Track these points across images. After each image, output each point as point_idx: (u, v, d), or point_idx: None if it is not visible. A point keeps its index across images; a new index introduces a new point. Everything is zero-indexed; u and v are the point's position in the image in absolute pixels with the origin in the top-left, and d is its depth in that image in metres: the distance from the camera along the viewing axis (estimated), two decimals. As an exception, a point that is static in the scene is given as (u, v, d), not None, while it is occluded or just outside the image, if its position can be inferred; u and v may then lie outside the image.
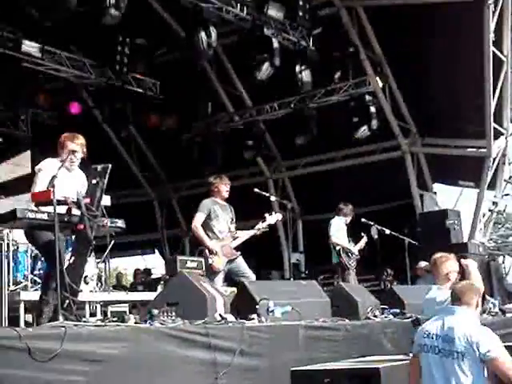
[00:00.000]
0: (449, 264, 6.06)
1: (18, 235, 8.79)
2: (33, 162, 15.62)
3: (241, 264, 8.61)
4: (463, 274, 5.96)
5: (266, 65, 13.19)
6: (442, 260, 6.09)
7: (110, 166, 6.02)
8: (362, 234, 11.26)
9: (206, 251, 8.47)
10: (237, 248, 8.70)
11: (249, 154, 16.59)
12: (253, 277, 8.57)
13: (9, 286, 8.26)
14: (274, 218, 8.95)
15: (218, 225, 8.63)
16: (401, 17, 13.87)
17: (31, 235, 6.27)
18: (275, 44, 13.24)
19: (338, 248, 10.95)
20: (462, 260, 6.06)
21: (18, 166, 14.86)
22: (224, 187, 8.78)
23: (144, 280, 15.71)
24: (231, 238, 8.67)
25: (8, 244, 8.48)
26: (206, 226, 8.56)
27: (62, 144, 6.45)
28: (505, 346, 5.42)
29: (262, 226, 8.87)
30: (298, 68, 14.05)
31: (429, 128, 15.49)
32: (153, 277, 15.71)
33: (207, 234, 8.53)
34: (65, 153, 6.35)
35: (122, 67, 14.36)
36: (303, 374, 5.66)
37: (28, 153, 15.70)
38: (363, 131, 14.81)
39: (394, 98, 15.34)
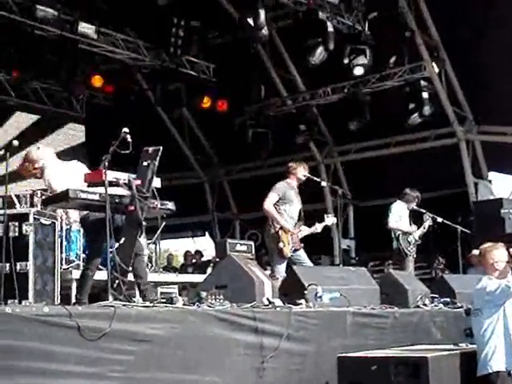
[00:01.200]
0: (496, 253, 5.93)
1: (72, 215, 8.93)
2: (88, 140, 15.92)
3: (302, 254, 8.47)
4: None
5: (320, 49, 13.08)
6: (488, 249, 5.98)
7: (161, 148, 6.05)
8: (427, 217, 10.81)
9: (280, 233, 8.21)
10: (300, 240, 8.52)
11: (301, 138, 16.51)
12: None
13: (61, 264, 8.40)
14: (331, 219, 8.87)
15: (290, 210, 8.39)
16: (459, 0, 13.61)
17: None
18: (330, 28, 13.11)
19: (397, 233, 10.57)
20: (511, 249, 5.93)
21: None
22: (302, 172, 8.53)
23: (195, 262, 15.83)
24: (299, 228, 8.47)
25: (61, 223, 8.61)
26: (278, 208, 8.31)
27: None
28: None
29: (320, 226, 8.73)
30: (351, 52, 13.89)
31: (485, 115, 15.20)
32: (203, 259, 15.82)
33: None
34: None
35: (177, 50, 14.37)
36: (350, 360, 5.64)
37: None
38: (414, 118, 14.58)
39: (449, 83, 15.09)
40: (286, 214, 8.37)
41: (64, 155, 14.09)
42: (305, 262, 8.41)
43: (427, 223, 10.75)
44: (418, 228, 10.71)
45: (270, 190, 8.38)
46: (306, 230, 8.59)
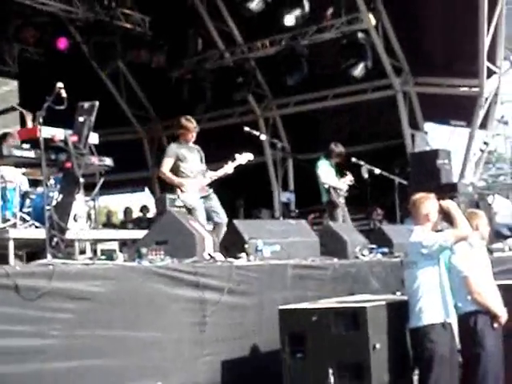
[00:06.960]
0: (428, 204, 5.87)
1: (7, 173, 8.73)
2: (21, 96, 15.50)
3: (214, 201, 8.59)
4: (445, 215, 5.85)
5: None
6: (421, 201, 5.90)
7: (97, 103, 5.93)
8: (347, 172, 11.00)
9: (178, 190, 8.40)
10: (209, 185, 8.67)
11: (240, 93, 16.40)
12: (223, 215, 8.56)
13: (-2, 223, 8.22)
14: (244, 157, 8.96)
15: (188, 166, 8.61)
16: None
17: None
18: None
19: (326, 186, 10.79)
20: (441, 202, 5.93)
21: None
22: (191, 134, 8.67)
23: (140, 217, 15.71)
24: (202, 175, 8.65)
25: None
26: (177, 168, 8.55)
27: None
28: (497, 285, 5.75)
29: (231, 166, 8.82)
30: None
31: (421, 67, 15.34)
32: (149, 215, 15.69)
33: (179, 176, 8.52)
34: None
35: (111, 2, 14.09)
36: (291, 312, 5.69)
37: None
38: (360, 70, 14.55)
39: (386, 35, 15.14)
40: (186, 170, 8.57)
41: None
42: (215, 209, 8.47)
43: (347, 178, 10.86)
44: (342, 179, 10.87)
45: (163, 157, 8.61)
46: (215, 174, 8.71)
